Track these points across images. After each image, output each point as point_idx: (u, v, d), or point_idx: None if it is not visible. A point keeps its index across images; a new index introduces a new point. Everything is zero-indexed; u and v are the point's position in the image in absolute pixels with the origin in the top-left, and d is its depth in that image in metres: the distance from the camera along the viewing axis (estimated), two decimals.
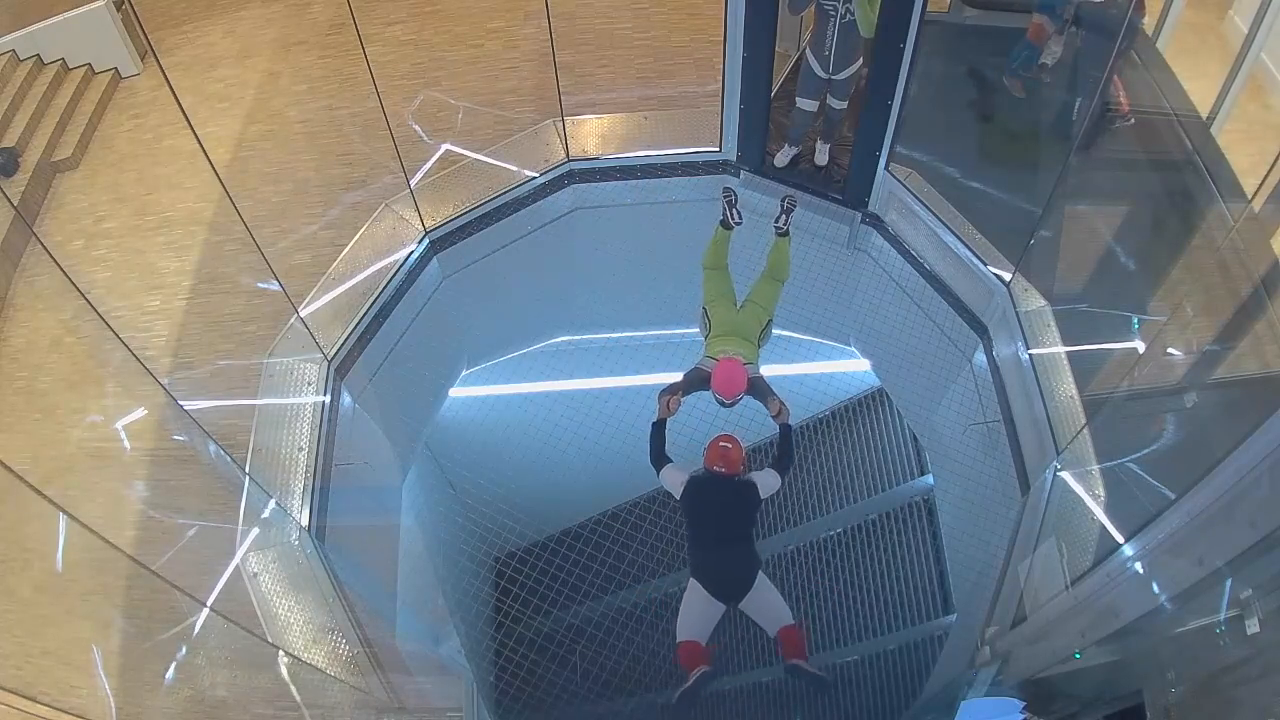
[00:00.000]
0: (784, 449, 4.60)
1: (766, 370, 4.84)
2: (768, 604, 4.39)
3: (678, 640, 4.34)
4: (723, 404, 4.60)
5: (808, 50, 5.64)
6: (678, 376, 4.73)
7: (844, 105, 5.86)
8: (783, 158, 6.28)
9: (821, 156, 6.24)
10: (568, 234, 6.79)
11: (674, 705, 4.16)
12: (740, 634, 7.80)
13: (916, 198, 5.86)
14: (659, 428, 4.60)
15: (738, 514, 4.45)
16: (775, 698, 7.96)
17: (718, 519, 4.45)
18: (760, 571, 4.41)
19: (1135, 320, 5.03)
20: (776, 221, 5.01)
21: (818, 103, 5.88)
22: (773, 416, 4.64)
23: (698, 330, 4.99)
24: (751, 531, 4.49)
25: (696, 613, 4.38)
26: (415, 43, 7.72)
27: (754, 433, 7.09)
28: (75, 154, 7.28)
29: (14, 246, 6.64)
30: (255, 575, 5.02)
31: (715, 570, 4.40)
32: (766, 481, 4.48)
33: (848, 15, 5.29)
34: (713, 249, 5.00)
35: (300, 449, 5.39)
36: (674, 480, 4.52)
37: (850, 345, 6.76)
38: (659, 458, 4.57)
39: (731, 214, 5.01)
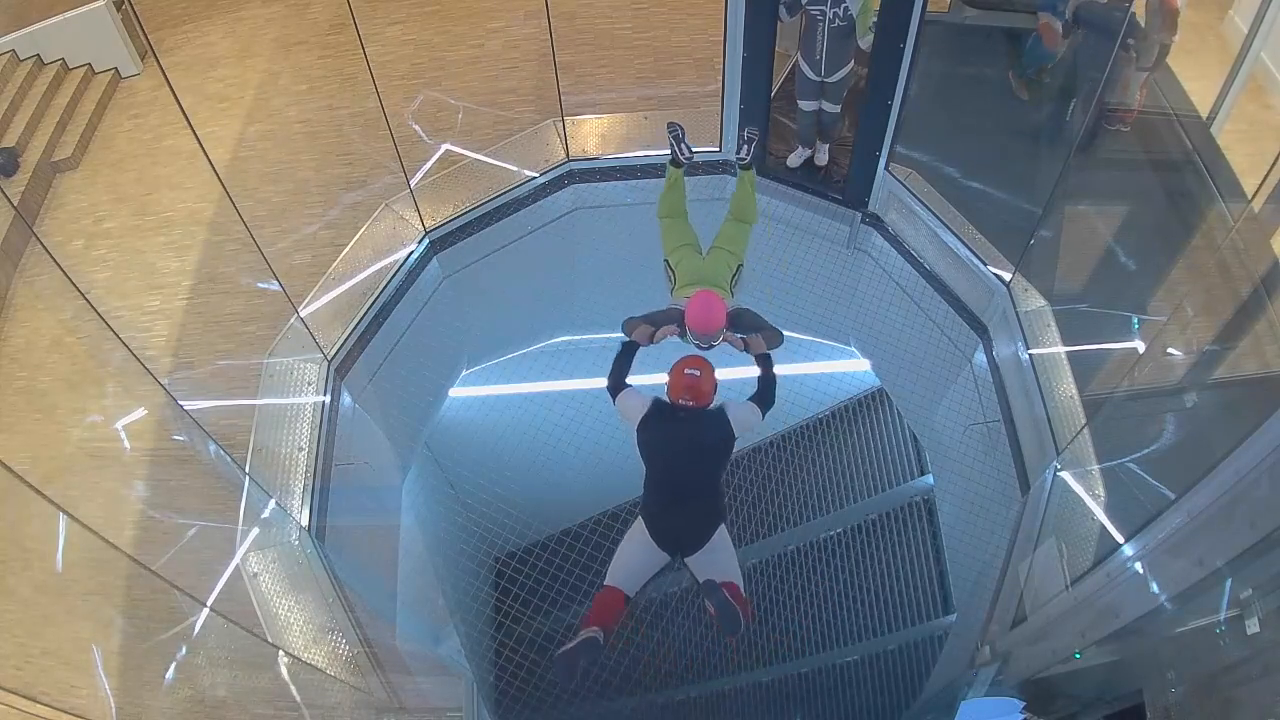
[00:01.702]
0: (765, 381, 3.89)
1: None
2: (718, 566, 3.71)
3: (604, 582, 3.82)
4: (700, 346, 4.01)
5: (799, 55, 5.65)
6: None
7: (837, 108, 5.86)
8: (795, 159, 6.28)
9: (821, 157, 6.25)
10: (568, 234, 6.79)
11: (553, 664, 3.49)
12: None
13: (916, 198, 5.86)
14: (629, 348, 3.98)
15: (703, 455, 3.75)
16: (775, 698, 7.96)
17: (677, 459, 3.75)
18: (722, 527, 3.78)
19: (1135, 320, 5.02)
20: (738, 153, 4.48)
21: (817, 103, 5.88)
22: (742, 350, 4.01)
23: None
24: (718, 478, 3.82)
25: (632, 558, 3.80)
26: (415, 43, 7.72)
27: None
28: (75, 154, 7.28)
29: (14, 246, 6.64)
30: (255, 575, 5.02)
31: (665, 518, 3.77)
32: (743, 416, 3.75)
33: (836, 20, 5.30)
34: (667, 194, 4.44)
35: (300, 449, 5.40)
36: (632, 407, 3.79)
37: (850, 345, 6.76)
38: (618, 384, 3.89)
39: (680, 149, 4.38)
